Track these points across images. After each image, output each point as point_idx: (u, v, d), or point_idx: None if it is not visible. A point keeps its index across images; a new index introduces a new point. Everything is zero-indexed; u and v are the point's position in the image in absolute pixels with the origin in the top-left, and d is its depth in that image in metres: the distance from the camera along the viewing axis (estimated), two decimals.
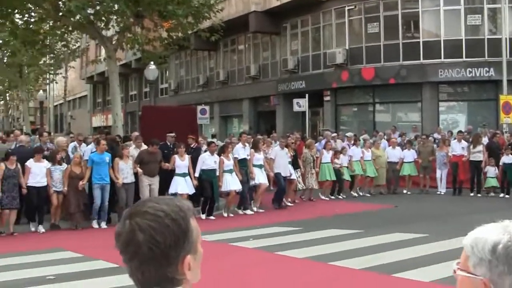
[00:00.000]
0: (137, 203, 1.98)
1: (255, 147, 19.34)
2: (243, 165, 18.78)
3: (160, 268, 1.85)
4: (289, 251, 12.22)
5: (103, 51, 41.84)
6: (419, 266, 10.34)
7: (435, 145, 23.48)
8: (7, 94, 54.46)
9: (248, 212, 18.70)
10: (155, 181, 17.34)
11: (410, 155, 22.97)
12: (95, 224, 16.60)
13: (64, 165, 16.50)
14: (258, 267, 11.19)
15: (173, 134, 19.03)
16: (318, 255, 11.71)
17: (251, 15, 36.04)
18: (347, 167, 22.04)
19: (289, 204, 20.24)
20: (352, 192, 22.58)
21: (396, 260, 10.98)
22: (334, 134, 25.28)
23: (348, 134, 25.71)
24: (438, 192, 22.35)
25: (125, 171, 16.99)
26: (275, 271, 10.84)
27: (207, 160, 17.86)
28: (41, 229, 16.09)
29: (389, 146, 23.57)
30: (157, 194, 17.30)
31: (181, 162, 17.48)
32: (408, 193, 22.86)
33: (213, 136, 31.24)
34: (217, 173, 17.89)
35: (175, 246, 1.85)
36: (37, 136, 21.11)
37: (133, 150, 17.89)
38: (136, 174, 17.17)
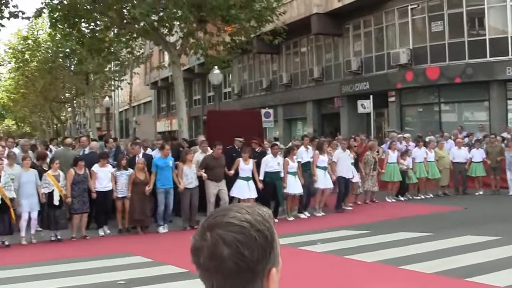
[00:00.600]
0: (216, 212, 1.82)
1: (320, 149, 19.19)
2: (306, 169, 18.70)
3: (246, 284, 1.72)
4: (358, 254, 12.07)
5: (166, 57, 42.39)
6: (493, 270, 10.06)
7: (503, 145, 22.86)
8: (74, 101, 55.35)
9: (307, 214, 18.64)
10: (223, 185, 17.37)
11: (478, 154, 22.40)
12: (161, 229, 16.72)
13: (130, 170, 16.68)
14: (328, 271, 11.09)
15: (241, 139, 19.04)
16: (387, 258, 11.54)
17: (313, 17, 35.89)
18: (411, 169, 21.74)
19: (349, 208, 20.05)
20: (419, 195, 22.22)
21: (468, 264, 10.70)
22: (400, 135, 24.88)
23: (406, 135, 25.31)
24: (510, 193, 21.65)
25: (189, 176, 17.07)
26: (345, 275, 10.73)
27: (270, 162, 17.82)
28: (106, 230, 16.43)
29: (455, 146, 23.11)
30: (227, 198, 17.40)
31: (245, 166, 17.46)
32: (481, 193, 22.26)
33: (276, 139, 31.16)
34: (282, 175, 17.88)
35: (262, 259, 1.72)
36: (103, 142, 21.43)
37: (199, 155, 17.98)
38: (200, 179, 17.26)
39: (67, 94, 55.36)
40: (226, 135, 18.46)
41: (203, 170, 17.21)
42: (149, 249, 14.18)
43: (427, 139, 24.96)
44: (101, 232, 16.38)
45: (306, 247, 13.27)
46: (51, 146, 22.19)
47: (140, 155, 17.63)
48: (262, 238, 1.73)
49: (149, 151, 19.63)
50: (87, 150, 18.81)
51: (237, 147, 18.78)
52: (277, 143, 21.73)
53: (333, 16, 35.70)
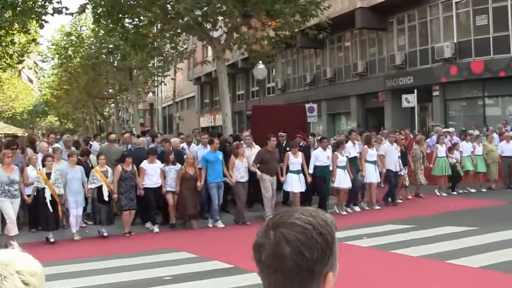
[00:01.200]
0: (281, 213, 1.88)
1: (368, 142, 19.16)
2: (353, 163, 18.63)
3: (304, 284, 1.76)
4: (403, 249, 11.99)
5: (210, 52, 42.45)
6: None
7: None
8: (117, 97, 55.72)
9: (356, 208, 18.59)
10: (274, 180, 17.39)
11: None
12: (210, 224, 16.78)
13: (178, 165, 16.75)
14: (373, 265, 11.00)
15: (284, 134, 19.03)
16: (433, 253, 11.45)
17: (357, 11, 35.68)
18: (459, 162, 21.48)
19: (399, 201, 19.92)
20: (468, 188, 21.93)
21: None
22: (446, 130, 24.58)
23: (450, 129, 25.00)
24: None
25: (241, 170, 17.11)
26: (390, 269, 10.63)
27: (320, 156, 17.84)
28: (156, 229, 16.45)
29: (501, 140, 22.75)
30: (275, 194, 17.42)
31: (295, 159, 17.53)
32: None
33: (313, 134, 31.01)
34: (331, 169, 17.82)
35: (321, 261, 1.77)
36: (149, 137, 21.53)
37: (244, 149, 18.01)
38: (250, 172, 17.31)
39: (110, 90, 55.65)
40: (271, 130, 18.42)
41: (258, 165, 17.30)
42: (195, 245, 14.21)
43: (469, 132, 24.60)
44: (155, 229, 16.51)
45: (352, 241, 13.15)
46: (91, 142, 22.31)
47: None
48: (323, 241, 1.77)
49: (193, 146, 19.66)
50: (130, 146, 18.89)
51: (281, 142, 18.78)
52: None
53: (377, 10, 35.43)
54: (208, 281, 10.38)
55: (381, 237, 13.62)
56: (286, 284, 1.75)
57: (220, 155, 16.98)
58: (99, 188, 15.56)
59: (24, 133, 39.29)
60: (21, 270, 1.76)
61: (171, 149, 17.53)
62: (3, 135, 34.71)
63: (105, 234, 15.68)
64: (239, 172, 17.09)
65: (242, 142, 18.58)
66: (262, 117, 20.99)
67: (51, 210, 14.81)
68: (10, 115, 76.14)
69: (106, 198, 15.49)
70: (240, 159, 17.10)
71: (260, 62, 27.39)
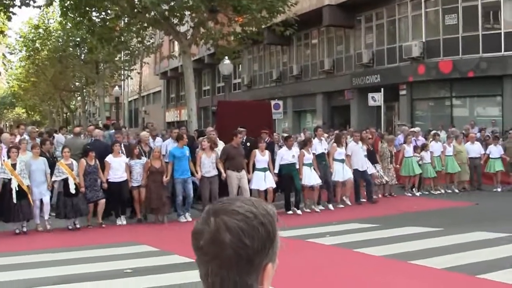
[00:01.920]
0: (222, 200, 1.82)
1: (338, 141, 19.22)
2: (321, 160, 18.64)
3: (241, 274, 1.69)
4: (366, 248, 11.97)
5: (176, 47, 42.31)
6: (505, 267, 9.92)
7: None
8: (84, 90, 55.45)
9: (330, 206, 18.59)
10: (243, 174, 17.35)
11: (496, 151, 22.14)
12: (182, 219, 16.75)
13: (144, 159, 16.70)
14: (333, 264, 11.01)
15: (243, 130, 18.96)
16: (396, 253, 11.44)
17: (325, 8, 35.76)
18: (430, 163, 21.53)
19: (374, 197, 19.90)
20: (439, 188, 22.00)
21: (479, 260, 10.53)
22: (413, 129, 24.64)
23: (416, 129, 25.04)
24: None
25: (207, 165, 17.06)
26: (351, 269, 10.63)
27: (285, 155, 17.83)
28: (123, 221, 16.53)
29: (467, 141, 22.89)
30: (247, 187, 17.38)
31: (262, 157, 17.53)
32: (499, 190, 21.98)
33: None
34: (297, 167, 17.81)
35: (261, 252, 1.70)
36: (113, 131, 21.43)
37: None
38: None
39: (77, 83, 55.43)
40: (236, 126, 18.39)
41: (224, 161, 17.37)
42: (157, 238, 14.19)
43: (431, 133, 24.62)
44: (118, 222, 16.51)
45: (315, 239, 13.21)
46: (55, 134, 22.19)
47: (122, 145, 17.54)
48: (264, 231, 1.71)
49: (159, 140, 19.58)
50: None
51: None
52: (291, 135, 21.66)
53: (345, 8, 35.54)
54: (168, 275, 10.37)
55: (344, 236, 13.63)
56: (223, 273, 1.68)
57: (187, 151, 16.95)
58: (65, 181, 15.48)
59: None
60: None
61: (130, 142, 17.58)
62: None
63: (78, 225, 15.68)
64: (205, 167, 17.02)
65: (201, 138, 18.55)
66: (227, 112, 20.94)
67: (15, 201, 14.70)
68: None
69: (72, 190, 15.42)
70: (207, 154, 17.05)
71: (226, 57, 27.35)
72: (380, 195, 20.80)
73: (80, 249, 12.96)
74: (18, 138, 18.14)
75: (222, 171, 17.17)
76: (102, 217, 16.23)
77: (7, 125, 78.37)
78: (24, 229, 15.00)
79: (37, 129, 22.11)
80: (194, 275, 9.93)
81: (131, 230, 15.73)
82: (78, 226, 15.69)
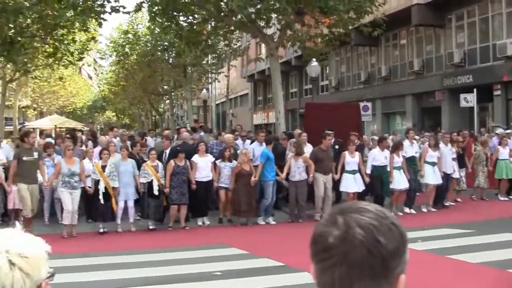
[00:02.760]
0: (345, 203, 1.66)
1: (430, 143, 18.78)
2: (411, 163, 18.24)
3: (374, 280, 1.50)
4: (460, 255, 11.55)
5: (263, 49, 42.35)
6: None
7: None
8: (172, 94, 56.24)
9: (413, 211, 18.12)
10: (329, 179, 17.14)
11: None
12: (261, 221, 16.67)
13: (234, 162, 16.67)
14: (427, 270, 10.65)
15: (331, 132, 18.73)
16: (493, 260, 10.94)
17: (414, 8, 35.03)
18: None
19: (451, 204, 19.34)
20: None
21: None
22: (509, 131, 23.72)
23: (499, 131, 24.04)
24: None
25: (293, 169, 16.93)
26: (446, 276, 10.25)
27: (378, 156, 17.54)
28: (206, 221, 16.58)
29: None
30: (331, 194, 17.18)
31: (351, 159, 17.30)
32: None
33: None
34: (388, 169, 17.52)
35: (396, 255, 1.53)
36: (202, 133, 21.70)
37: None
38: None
39: (165, 87, 56.26)
40: (324, 128, 18.18)
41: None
42: (247, 241, 14.13)
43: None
44: (199, 222, 16.50)
45: None
46: (147, 137, 22.56)
47: (168, 150, 17.53)
48: (397, 232, 1.57)
49: (247, 143, 19.60)
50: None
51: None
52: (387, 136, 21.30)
53: (434, 7, 34.71)
54: (258, 278, 10.31)
55: (436, 241, 13.21)
56: (354, 278, 1.50)
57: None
58: (150, 183, 15.75)
59: (83, 127, 40.00)
60: (11, 250, 1.78)
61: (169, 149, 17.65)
62: (64, 129, 35.30)
63: (150, 227, 15.91)
64: (291, 171, 16.86)
65: (291, 140, 18.45)
66: (315, 115, 20.76)
67: (102, 202, 15.15)
68: (71, 110, 78.06)
69: (156, 192, 15.66)
70: (294, 158, 16.90)
71: (314, 59, 27.14)
72: (459, 199, 20.12)
73: (166, 251, 13.07)
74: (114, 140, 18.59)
75: (311, 174, 16.96)
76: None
77: (98, 128, 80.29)
78: (101, 230, 15.34)
79: (127, 132, 22.53)
80: (284, 280, 9.84)
81: (215, 233, 15.75)
82: (151, 227, 15.93)
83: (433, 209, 18.50)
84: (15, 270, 1.77)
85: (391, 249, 1.51)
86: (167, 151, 17.35)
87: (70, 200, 14.87)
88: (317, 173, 16.98)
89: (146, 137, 22.21)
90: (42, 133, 25.23)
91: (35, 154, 15.05)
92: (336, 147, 18.45)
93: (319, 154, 17.18)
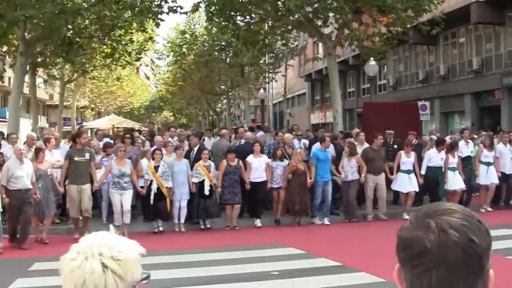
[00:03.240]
0: (426, 205, 1.69)
1: (486, 143, 18.55)
2: (467, 163, 18.03)
3: (471, 277, 1.55)
4: None
5: (321, 49, 42.22)
6: None
7: None
8: (229, 93, 56.43)
9: None
10: (381, 178, 17.05)
11: None
12: (316, 221, 16.66)
13: (286, 161, 16.68)
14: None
15: (391, 131, 18.65)
16: None
17: (473, 5, 34.50)
18: None
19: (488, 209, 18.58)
20: None
21: None
22: None
23: None
24: None
25: (346, 169, 16.88)
26: (508, 276, 10.13)
27: (434, 157, 17.40)
28: (258, 223, 16.54)
29: None
30: (384, 193, 17.09)
31: (407, 159, 17.19)
32: None
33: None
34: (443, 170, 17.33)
35: (487, 251, 1.57)
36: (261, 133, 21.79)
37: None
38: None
39: (222, 86, 56.42)
40: (382, 127, 18.12)
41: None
42: (303, 241, 14.14)
43: None
44: (258, 223, 16.55)
45: None
46: (205, 137, 22.73)
47: (196, 148, 17.48)
48: (484, 229, 1.60)
49: (304, 142, 19.60)
50: (243, 141, 19.18)
51: (388, 141, 18.42)
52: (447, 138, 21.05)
53: (493, 4, 34.12)
54: (315, 278, 10.32)
55: (497, 242, 12.96)
56: (452, 279, 1.54)
57: (329, 154, 16.86)
58: (201, 183, 15.82)
59: (141, 127, 40.46)
60: (104, 253, 1.85)
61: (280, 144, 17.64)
62: (122, 129, 35.77)
63: (208, 226, 16.05)
64: (345, 170, 16.85)
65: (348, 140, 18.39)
66: (373, 114, 20.69)
67: (152, 202, 15.32)
68: (129, 110, 79.00)
69: (206, 192, 15.72)
70: (347, 159, 16.87)
71: (372, 58, 27.00)
72: None
73: (224, 251, 13.15)
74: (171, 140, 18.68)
75: (363, 174, 16.91)
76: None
77: (155, 128, 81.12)
78: (161, 229, 15.48)
79: (184, 132, 22.75)
80: (341, 280, 9.85)
81: (271, 232, 15.80)
82: (209, 226, 16.03)
83: (490, 209, 18.24)
84: (108, 273, 1.85)
85: (484, 246, 1.56)
86: (195, 149, 17.36)
87: (119, 201, 15.06)
88: (367, 173, 16.95)
89: (204, 137, 22.40)
90: (97, 133, 25.57)
91: (87, 155, 15.21)
92: (395, 146, 18.34)
93: (370, 153, 17.12)
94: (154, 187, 15.33)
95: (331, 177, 16.87)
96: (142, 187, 15.71)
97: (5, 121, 30.56)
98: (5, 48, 27.86)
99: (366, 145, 17.86)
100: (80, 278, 1.83)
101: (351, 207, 17.00)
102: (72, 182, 15.06)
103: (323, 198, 16.72)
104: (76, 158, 14.99)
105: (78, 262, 1.85)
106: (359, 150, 17.50)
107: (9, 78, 41.41)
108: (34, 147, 15.87)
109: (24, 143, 16.66)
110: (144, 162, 16.03)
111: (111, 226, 2.14)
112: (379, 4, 21.41)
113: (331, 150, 17.39)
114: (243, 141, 19.17)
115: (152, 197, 15.29)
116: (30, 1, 19.83)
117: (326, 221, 16.77)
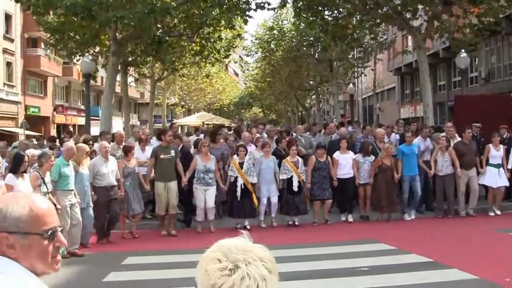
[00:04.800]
0: None
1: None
2: None
3: None
4: None
5: (410, 42, 41.66)
6: None
7: None
8: (318, 89, 56.27)
9: None
10: (473, 171, 16.67)
11: None
12: (406, 217, 16.45)
13: (372, 157, 16.53)
14: None
15: (478, 124, 18.16)
16: None
17: None
18: None
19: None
20: None
21: None
22: None
23: None
24: None
25: (440, 163, 16.58)
26: None
27: None
28: (350, 218, 16.47)
29: None
30: (477, 187, 16.70)
31: (496, 152, 16.74)
32: None
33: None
34: None
35: None
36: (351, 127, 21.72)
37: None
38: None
39: (311, 82, 56.38)
40: (474, 121, 17.70)
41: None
42: (393, 236, 13.98)
43: None
44: (343, 218, 16.45)
45: None
46: (293, 132, 22.75)
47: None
48: None
49: (393, 137, 19.37)
50: (333, 137, 19.14)
51: (475, 134, 17.95)
52: None
53: None
54: (406, 275, 10.23)
55: None
56: None
57: (416, 149, 16.60)
58: (289, 179, 15.74)
59: (230, 124, 40.85)
60: (263, 257, 1.92)
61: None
62: (211, 125, 36.20)
63: (296, 223, 15.95)
64: (438, 165, 16.58)
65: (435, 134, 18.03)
66: (465, 107, 20.22)
67: (239, 199, 15.35)
68: (218, 107, 79.84)
69: (295, 188, 15.63)
70: (441, 151, 16.56)
71: (463, 50, 26.40)
72: None
73: (313, 246, 13.13)
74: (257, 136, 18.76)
75: (458, 168, 16.51)
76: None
77: (245, 124, 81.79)
78: (247, 226, 15.31)
79: (274, 128, 22.82)
80: (433, 276, 9.70)
81: (361, 228, 15.70)
82: (296, 223, 15.93)
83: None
84: (273, 276, 1.93)
85: None
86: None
87: (203, 197, 15.21)
88: (459, 168, 16.56)
89: (292, 133, 22.41)
90: (198, 129, 25.92)
91: (172, 152, 15.44)
92: (482, 140, 17.88)
93: (461, 147, 16.73)
94: (239, 184, 15.36)
95: (417, 172, 16.56)
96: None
97: (98, 120, 31.34)
98: (97, 49, 28.60)
99: (458, 138, 17.46)
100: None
101: (449, 203, 16.67)
102: (159, 179, 15.33)
103: (412, 193, 16.44)
104: (162, 156, 15.27)
105: (241, 272, 1.87)
106: (451, 143, 17.14)
107: (102, 78, 42.54)
108: (123, 144, 16.29)
109: (113, 141, 17.04)
110: (234, 158, 16.19)
111: (244, 232, 2.13)
112: None
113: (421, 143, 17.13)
114: (334, 136, 19.14)
115: (238, 193, 15.31)
116: (121, 2, 20.31)
117: (413, 215, 16.53)
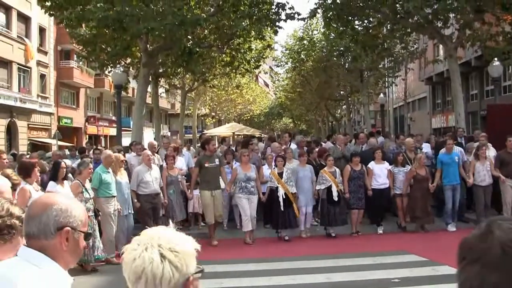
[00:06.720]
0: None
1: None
2: None
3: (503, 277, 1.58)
4: None
5: (441, 51, 41.39)
6: None
7: None
8: (349, 99, 56.15)
9: None
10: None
11: None
12: (450, 227, 16.18)
13: (407, 167, 16.39)
14: None
15: None
16: None
17: None
18: None
19: None
20: None
21: None
22: None
23: None
24: None
25: (481, 173, 16.35)
26: None
27: None
28: (379, 230, 16.33)
29: None
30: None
31: None
32: None
33: None
34: None
35: None
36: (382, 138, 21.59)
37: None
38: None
39: (341, 92, 56.19)
40: (508, 130, 17.47)
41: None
42: (426, 248, 13.84)
43: None
44: (379, 230, 16.34)
45: None
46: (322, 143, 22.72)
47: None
48: None
49: (426, 146, 19.24)
50: (365, 147, 19.06)
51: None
52: None
53: None
54: (437, 286, 10.14)
55: None
56: (493, 277, 1.63)
57: (456, 157, 16.40)
58: (329, 189, 15.66)
59: (261, 134, 40.89)
60: (163, 245, 2.14)
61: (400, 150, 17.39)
62: (242, 136, 36.27)
63: (333, 234, 15.81)
64: (479, 175, 16.31)
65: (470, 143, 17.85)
66: (498, 117, 19.97)
67: (282, 209, 15.22)
68: (248, 117, 79.91)
69: (335, 198, 15.55)
70: (481, 162, 16.32)
71: (495, 59, 26.14)
72: None
73: (343, 257, 13.10)
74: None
75: (500, 175, 16.22)
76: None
77: (275, 135, 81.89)
78: (286, 238, 15.40)
79: (305, 138, 22.80)
80: None
81: (394, 239, 15.54)
82: (333, 235, 15.82)
83: None
84: (165, 262, 2.12)
85: None
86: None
87: (248, 206, 15.26)
88: (505, 178, 16.26)
89: (322, 143, 22.32)
90: (224, 140, 26.00)
91: (216, 161, 15.60)
92: None
93: (505, 157, 16.46)
94: (281, 193, 15.32)
95: (459, 182, 16.37)
96: (264, 193, 15.80)
97: (130, 130, 31.53)
98: (128, 60, 28.80)
99: (491, 149, 17.22)
100: (140, 267, 2.11)
101: (489, 213, 16.39)
102: (205, 188, 15.47)
103: (452, 203, 16.26)
104: (206, 165, 15.41)
105: (138, 252, 2.14)
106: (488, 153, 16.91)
107: (133, 89, 42.76)
108: (155, 154, 16.50)
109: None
110: (265, 168, 16.26)
111: (170, 222, 2.45)
112: (503, 2, 20.77)
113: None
114: (365, 147, 19.06)
115: (281, 203, 15.23)
116: (152, 14, 20.43)
117: (452, 227, 16.26)
